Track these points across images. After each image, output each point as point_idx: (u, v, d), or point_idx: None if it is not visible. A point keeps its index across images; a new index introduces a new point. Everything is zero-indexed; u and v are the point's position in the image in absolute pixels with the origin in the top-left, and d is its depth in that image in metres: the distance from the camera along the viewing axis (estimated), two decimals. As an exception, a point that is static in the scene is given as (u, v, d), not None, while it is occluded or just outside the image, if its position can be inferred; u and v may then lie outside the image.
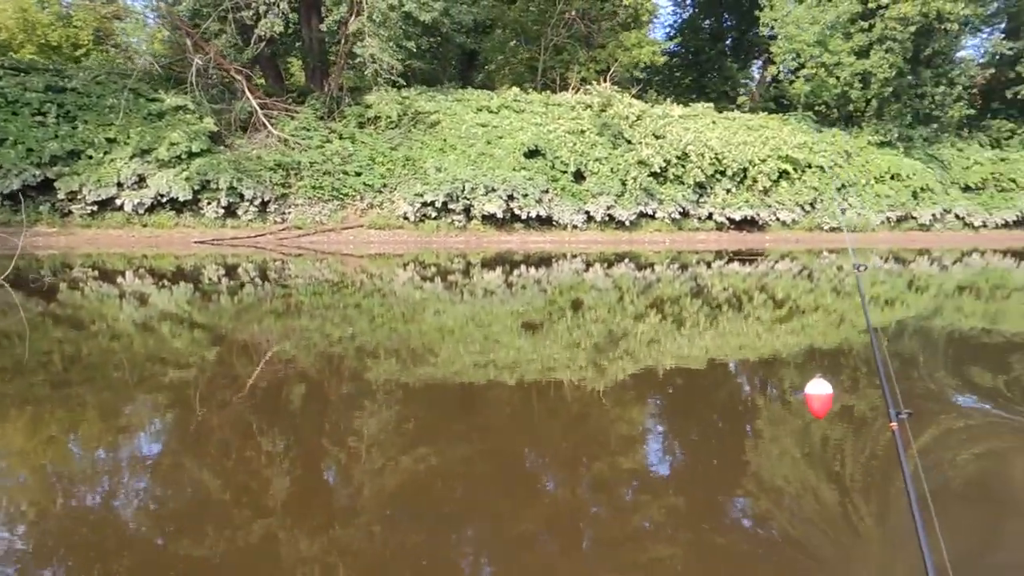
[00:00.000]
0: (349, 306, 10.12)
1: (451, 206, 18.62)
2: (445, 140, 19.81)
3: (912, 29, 23.36)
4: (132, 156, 17.17)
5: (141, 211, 17.22)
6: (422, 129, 20.16)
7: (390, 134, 20.02)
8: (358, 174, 19.00)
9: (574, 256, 16.92)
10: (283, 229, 18.01)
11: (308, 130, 19.57)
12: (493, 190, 18.68)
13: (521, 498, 3.74)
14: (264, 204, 18.05)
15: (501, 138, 20.03)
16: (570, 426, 5.05)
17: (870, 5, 23.80)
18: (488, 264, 14.95)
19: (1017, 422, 5.05)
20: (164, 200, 17.23)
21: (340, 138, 19.68)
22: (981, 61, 29.31)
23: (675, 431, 5.15)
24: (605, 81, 23.02)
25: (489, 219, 19.05)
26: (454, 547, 3.24)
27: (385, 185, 19.04)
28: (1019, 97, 27.96)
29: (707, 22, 35.11)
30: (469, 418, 5.33)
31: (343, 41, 20.23)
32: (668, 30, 35.88)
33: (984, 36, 30.11)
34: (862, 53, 24.18)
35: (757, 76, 35.34)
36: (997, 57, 28.55)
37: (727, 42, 34.35)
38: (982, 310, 10.51)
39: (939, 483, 3.91)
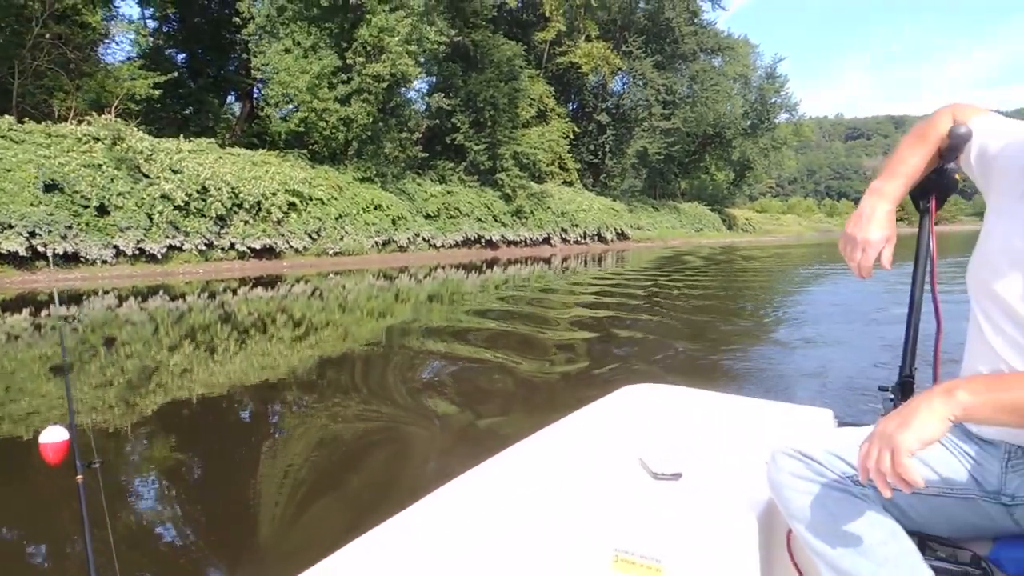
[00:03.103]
0: None
1: (-40, 245, 16.68)
2: (-62, 172, 17.50)
3: (383, 85, 28.15)
4: None
5: None
6: None
7: None
8: None
9: (107, 292, 16.83)
10: None
11: None
12: (11, 227, 17.25)
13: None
14: None
15: (9, 171, 18.38)
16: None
17: (348, 62, 27.88)
18: (9, 307, 14.02)
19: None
20: None
21: None
22: (426, 113, 36.09)
23: (191, 466, 5.29)
24: (109, 112, 22.59)
25: (8, 257, 17.47)
26: None
27: None
28: (455, 143, 35.29)
29: (181, 56, 35.46)
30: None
31: None
32: (139, 60, 35.12)
33: (424, 91, 37.19)
34: (344, 101, 28.13)
35: (237, 112, 37.24)
36: (436, 109, 35.55)
37: (207, 78, 35.28)
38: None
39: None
